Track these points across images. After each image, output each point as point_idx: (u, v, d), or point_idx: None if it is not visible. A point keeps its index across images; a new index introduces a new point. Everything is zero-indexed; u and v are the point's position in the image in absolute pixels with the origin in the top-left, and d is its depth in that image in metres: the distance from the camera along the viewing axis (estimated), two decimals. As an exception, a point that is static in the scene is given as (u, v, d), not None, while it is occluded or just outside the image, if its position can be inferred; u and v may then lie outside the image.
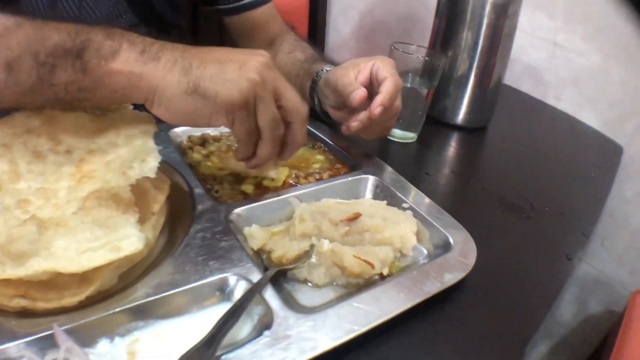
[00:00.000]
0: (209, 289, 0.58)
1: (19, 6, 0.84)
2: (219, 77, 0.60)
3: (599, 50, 1.40)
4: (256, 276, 0.59)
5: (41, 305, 0.51)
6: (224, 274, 0.59)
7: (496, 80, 1.20)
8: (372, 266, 0.63)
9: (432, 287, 0.61)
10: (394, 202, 0.79)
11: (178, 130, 0.92)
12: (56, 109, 0.62)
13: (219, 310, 0.54)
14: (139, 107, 0.65)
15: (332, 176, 0.85)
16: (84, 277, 0.52)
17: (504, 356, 0.59)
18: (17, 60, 0.55)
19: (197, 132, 0.94)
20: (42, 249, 0.50)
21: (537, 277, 0.73)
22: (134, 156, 0.61)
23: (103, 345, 0.51)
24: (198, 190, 0.74)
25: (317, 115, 1.00)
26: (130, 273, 0.58)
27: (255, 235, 0.67)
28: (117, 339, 0.52)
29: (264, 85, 0.62)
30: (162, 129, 0.87)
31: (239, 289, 0.59)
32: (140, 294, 0.54)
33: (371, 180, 0.84)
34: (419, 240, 0.72)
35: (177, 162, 0.81)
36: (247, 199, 0.76)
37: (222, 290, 0.59)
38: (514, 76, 1.55)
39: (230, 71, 0.61)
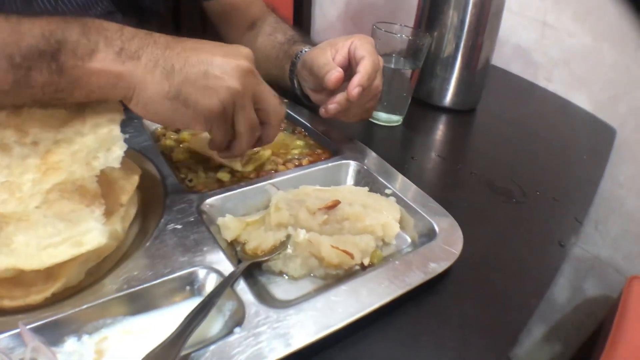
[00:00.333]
0: (179, 284, 0.55)
1: None
2: (200, 84, 0.59)
3: (590, 30, 1.37)
4: (229, 269, 0.56)
5: (7, 303, 0.50)
6: (194, 268, 0.56)
7: (484, 61, 1.17)
8: (351, 256, 0.59)
9: (416, 278, 0.57)
10: (377, 188, 0.76)
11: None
12: (34, 107, 0.60)
13: (190, 305, 0.51)
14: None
15: (312, 162, 0.82)
16: (49, 274, 0.50)
17: (491, 351, 0.55)
18: None
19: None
20: (3, 245, 0.49)
21: (528, 266, 0.69)
22: (100, 145, 0.59)
23: (71, 343, 0.49)
24: (170, 179, 0.71)
25: (298, 99, 0.96)
26: (100, 267, 0.56)
27: (229, 226, 0.63)
28: (85, 337, 0.50)
29: (244, 93, 0.62)
30: (136, 117, 0.84)
31: (210, 283, 0.56)
32: (107, 290, 0.52)
33: (353, 165, 0.80)
34: (402, 228, 0.69)
35: (150, 149, 0.78)
36: (222, 187, 0.73)
37: (193, 284, 0.56)
38: (503, 57, 1.53)
39: (212, 77, 0.59)
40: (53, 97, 0.57)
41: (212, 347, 0.46)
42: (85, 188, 0.54)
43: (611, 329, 1.03)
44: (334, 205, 0.65)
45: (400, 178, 0.78)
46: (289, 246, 0.61)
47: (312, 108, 0.93)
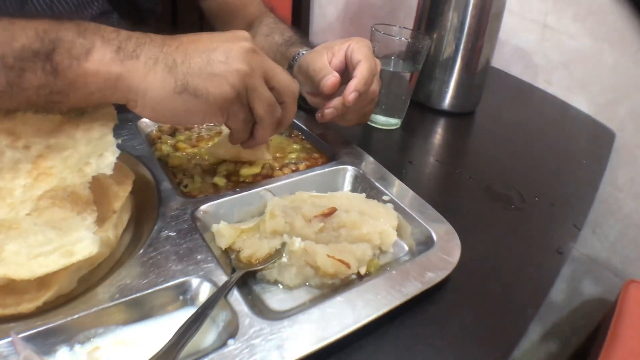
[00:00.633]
0: (172, 293, 0.54)
1: None
2: (207, 72, 0.57)
3: (590, 32, 1.37)
4: (222, 278, 0.55)
5: (-2, 311, 0.49)
6: (187, 277, 0.55)
7: (484, 63, 1.16)
8: (348, 266, 0.59)
9: (412, 288, 0.57)
10: (374, 194, 0.75)
11: (147, 120, 0.87)
12: (30, 111, 0.59)
13: (183, 315, 0.50)
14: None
15: (309, 167, 0.81)
16: (41, 282, 0.49)
17: (489, 362, 0.54)
18: None
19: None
20: (-7, 254, 0.48)
21: (526, 275, 0.69)
22: (92, 151, 0.58)
23: (62, 353, 0.48)
24: (165, 184, 0.70)
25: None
26: (93, 274, 0.56)
27: (223, 233, 0.62)
28: (77, 347, 0.49)
29: (253, 74, 0.60)
30: (130, 119, 0.84)
31: (204, 293, 0.55)
32: (100, 299, 0.51)
33: (350, 170, 0.79)
34: (399, 235, 0.69)
35: (145, 154, 0.77)
36: (218, 192, 0.72)
37: (186, 294, 0.55)
38: (503, 59, 1.52)
39: (216, 63, 0.58)
40: (49, 100, 0.55)
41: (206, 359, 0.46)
42: (77, 194, 0.53)
43: (608, 333, 1.03)
44: (331, 212, 0.64)
45: (398, 184, 0.77)
46: (284, 255, 0.60)
47: (309, 110, 0.93)
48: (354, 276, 0.61)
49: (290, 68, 0.91)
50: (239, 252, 0.61)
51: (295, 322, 0.50)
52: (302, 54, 0.88)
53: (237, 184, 0.75)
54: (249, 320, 0.50)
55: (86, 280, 0.54)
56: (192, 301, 0.55)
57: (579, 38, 1.39)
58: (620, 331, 1.03)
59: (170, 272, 0.55)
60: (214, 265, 0.56)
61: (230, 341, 0.48)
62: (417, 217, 0.69)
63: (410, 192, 0.75)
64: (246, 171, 0.77)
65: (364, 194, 0.73)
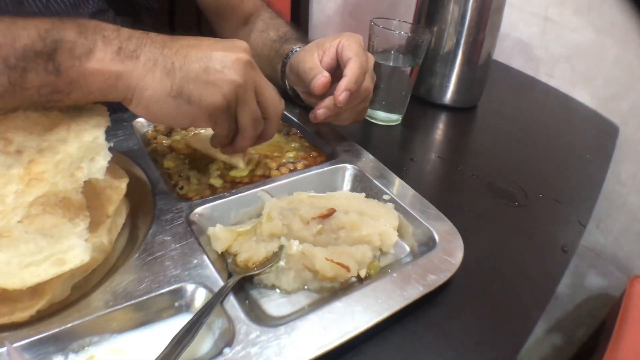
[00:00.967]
0: (167, 300, 0.53)
1: None
2: (203, 80, 0.58)
3: (592, 25, 1.35)
4: (218, 283, 0.53)
5: (-8, 321, 0.48)
6: (183, 283, 0.53)
7: (485, 57, 1.14)
8: (347, 269, 0.57)
9: (414, 292, 0.55)
10: (374, 193, 0.73)
11: (143, 120, 0.86)
12: (29, 110, 0.59)
13: (179, 322, 0.50)
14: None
15: (307, 166, 0.79)
16: (34, 290, 0.48)
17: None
18: None
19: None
20: (-16, 263, 0.47)
21: (530, 275, 0.67)
22: (83, 154, 0.57)
23: None
24: (160, 186, 0.69)
25: (292, 99, 0.94)
26: (88, 280, 0.54)
27: (220, 237, 0.61)
28: (72, 356, 0.48)
29: (246, 86, 0.61)
30: (126, 119, 0.83)
31: (199, 299, 0.53)
32: (94, 307, 0.50)
33: (349, 169, 0.77)
34: (400, 235, 0.67)
35: (140, 155, 0.75)
36: (215, 193, 0.70)
37: (182, 300, 0.54)
38: (504, 52, 1.51)
39: (213, 71, 0.59)
40: (50, 99, 0.56)
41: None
42: (69, 200, 0.52)
43: (613, 330, 1.02)
44: (329, 214, 0.62)
45: (399, 182, 0.75)
46: (281, 258, 0.59)
47: (307, 107, 0.91)
48: (353, 279, 0.60)
49: (284, 66, 0.90)
50: (235, 255, 0.60)
51: (294, 329, 0.49)
52: (295, 51, 0.87)
53: (234, 184, 0.73)
54: (245, 328, 0.49)
55: (80, 287, 0.53)
56: (187, 307, 0.54)
57: (581, 31, 1.37)
58: (625, 328, 1.02)
59: (165, 278, 0.54)
60: (209, 270, 0.55)
61: (227, 350, 0.46)
62: (418, 217, 0.67)
63: (411, 191, 0.73)
64: (235, 173, 0.76)
65: (363, 194, 0.72)
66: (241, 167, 0.76)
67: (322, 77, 0.75)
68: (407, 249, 0.67)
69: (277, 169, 0.77)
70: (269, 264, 0.58)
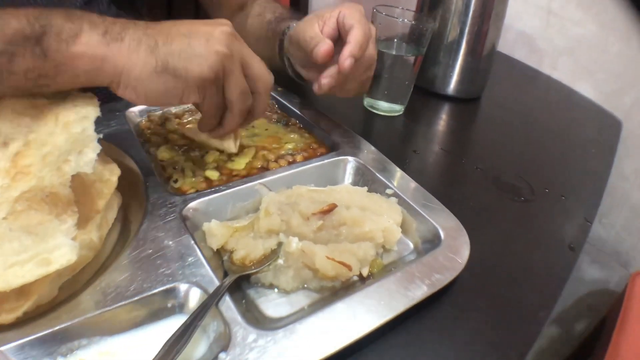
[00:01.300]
0: (159, 300, 0.51)
1: None
2: (187, 53, 0.58)
3: (595, 19, 1.34)
4: (214, 283, 0.51)
5: (-22, 324, 0.46)
6: (176, 283, 0.51)
7: (489, 47, 1.11)
8: (349, 268, 0.55)
9: (418, 292, 0.53)
10: (376, 187, 0.71)
11: (136, 109, 0.84)
12: (14, 97, 0.58)
13: (172, 323, 0.48)
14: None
15: (307, 158, 0.76)
16: (20, 291, 0.47)
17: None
18: None
19: (158, 109, 0.86)
20: (-33, 264, 0.45)
21: (537, 273, 0.65)
22: (71, 147, 0.54)
23: None
24: (153, 179, 0.66)
25: (291, 85, 0.91)
26: (77, 279, 0.52)
27: (215, 233, 0.58)
28: None
29: (232, 58, 0.61)
30: (119, 109, 0.81)
31: (194, 299, 0.51)
32: (83, 308, 0.48)
33: (351, 162, 0.75)
34: (404, 231, 0.65)
35: (133, 145, 0.73)
36: (211, 186, 0.68)
37: (175, 301, 0.51)
38: (508, 43, 1.49)
39: (197, 45, 0.59)
40: (36, 84, 0.55)
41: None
42: (57, 195, 0.50)
43: (614, 327, 1.00)
44: (330, 209, 0.60)
45: (402, 175, 0.72)
46: (280, 256, 0.56)
47: (306, 97, 0.88)
48: (355, 278, 0.57)
49: (281, 43, 0.87)
50: (231, 253, 0.57)
51: (293, 332, 0.47)
52: (292, 26, 0.84)
53: (231, 177, 0.71)
54: (242, 331, 0.46)
55: (69, 286, 0.51)
56: (181, 308, 0.51)
57: (584, 25, 1.36)
58: (627, 326, 1.00)
59: (157, 277, 0.51)
60: (204, 269, 0.52)
61: (222, 355, 0.44)
62: (422, 212, 0.65)
63: (414, 185, 0.71)
64: (231, 165, 0.73)
65: (365, 188, 0.69)
66: (233, 151, 0.74)
67: (324, 45, 0.73)
68: (411, 246, 0.64)
69: (276, 161, 0.74)
70: (267, 262, 0.56)
